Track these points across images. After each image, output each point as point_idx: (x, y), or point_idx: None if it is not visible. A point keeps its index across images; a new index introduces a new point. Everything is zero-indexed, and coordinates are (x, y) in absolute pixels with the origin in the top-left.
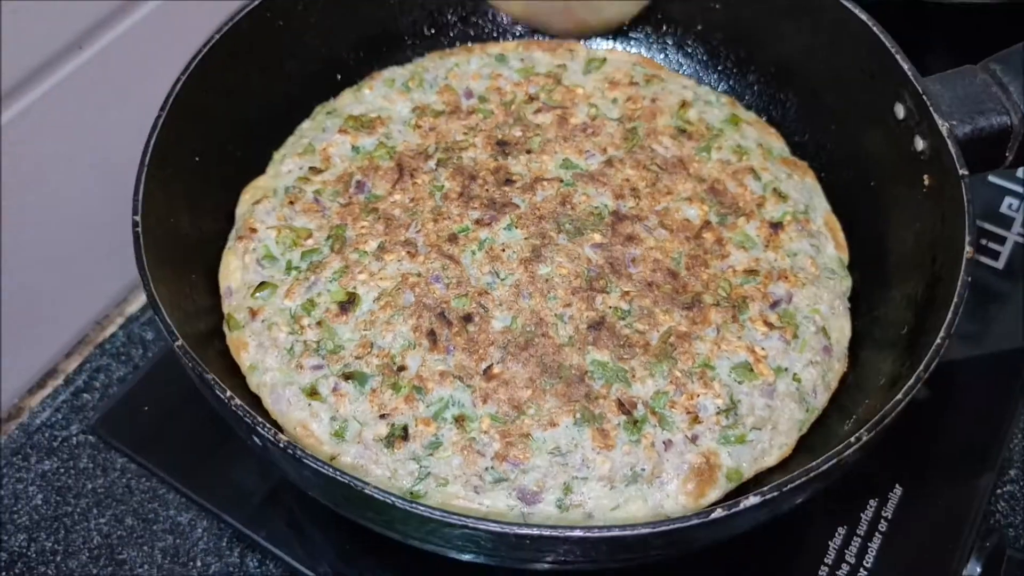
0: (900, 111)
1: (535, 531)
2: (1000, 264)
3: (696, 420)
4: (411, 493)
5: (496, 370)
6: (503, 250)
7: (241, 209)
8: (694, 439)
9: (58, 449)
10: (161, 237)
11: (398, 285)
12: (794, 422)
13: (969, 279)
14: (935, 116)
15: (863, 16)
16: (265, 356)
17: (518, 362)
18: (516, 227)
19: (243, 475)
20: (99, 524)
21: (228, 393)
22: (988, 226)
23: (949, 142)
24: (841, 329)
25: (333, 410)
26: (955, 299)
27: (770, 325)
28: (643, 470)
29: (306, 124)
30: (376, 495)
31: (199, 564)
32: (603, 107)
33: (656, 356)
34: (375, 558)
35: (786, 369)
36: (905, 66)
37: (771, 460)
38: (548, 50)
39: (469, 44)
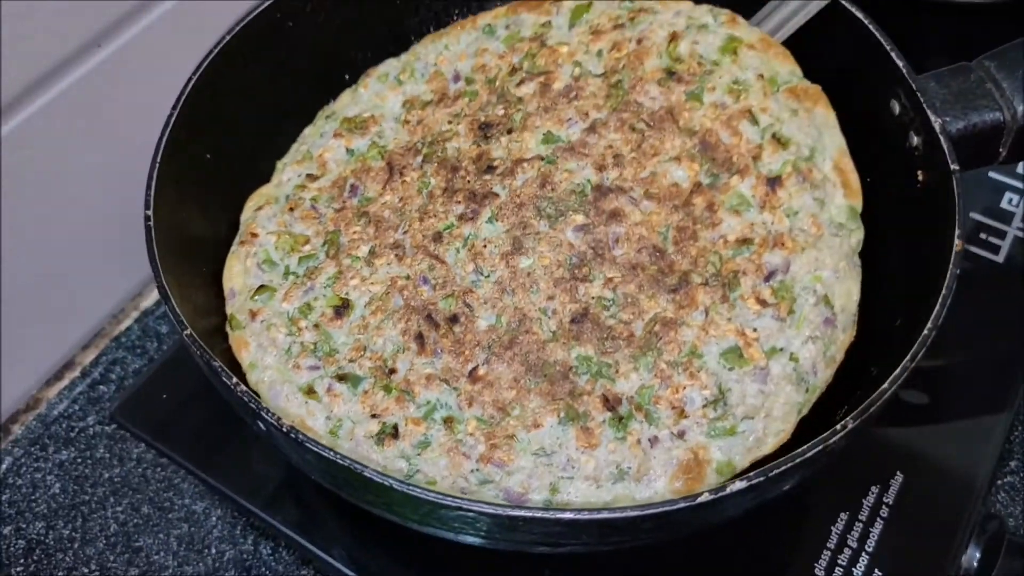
0: (895, 108)
1: (527, 513)
2: (1000, 258)
3: (682, 415)
4: None
5: (481, 372)
6: (484, 246)
7: (245, 215)
8: (681, 434)
9: (75, 439)
10: (172, 232)
11: (387, 289)
12: (791, 406)
13: (958, 272)
14: (928, 113)
15: (859, 14)
16: (264, 355)
17: (502, 362)
18: (497, 219)
19: (259, 462)
20: (116, 512)
21: (234, 380)
22: (988, 221)
23: (942, 138)
24: (848, 293)
25: (328, 409)
26: (943, 291)
27: (763, 302)
28: (629, 468)
29: (308, 130)
30: (375, 478)
31: (214, 551)
32: (587, 63)
33: (640, 348)
34: (388, 542)
35: (781, 349)
36: (900, 63)
37: (767, 448)
38: (533, 8)
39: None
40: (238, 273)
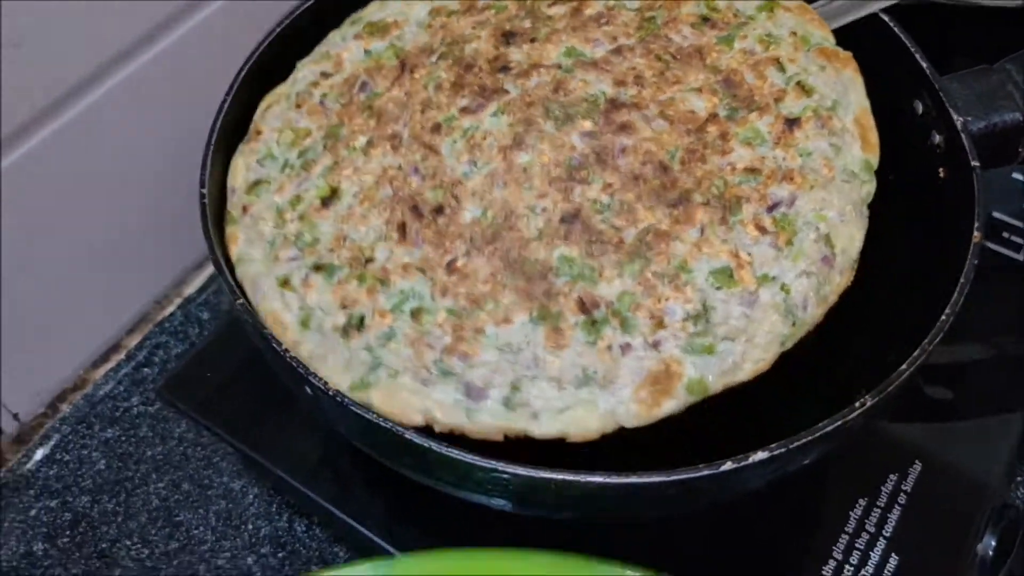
0: (919, 107)
1: (557, 475)
2: (1022, 256)
3: (660, 325)
4: (362, 381)
5: (459, 264)
6: (484, 138)
7: (256, 115)
8: (655, 345)
9: (120, 419)
10: (223, 207)
11: (378, 179)
12: (775, 336)
13: (976, 262)
14: (951, 112)
15: (885, 17)
16: (251, 249)
17: (482, 256)
18: (503, 113)
19: (298, 439)
20: (158, 488)
21: (284, 347)
22: (1011, 220)
23: (963, 136)
24: (851, 238)
25: (301, 300)
26: (961, 279)
27: (762, 229)
28: (595, 373)
29: (333, 33)
30: (414, 439)
31: (250, 527)
32: None
33: (629, 255)
34: (422, 516)
35: (773, 278)
36: (924, 64)
37: (743, 375)
38: None
39: None
40: (240, 170)
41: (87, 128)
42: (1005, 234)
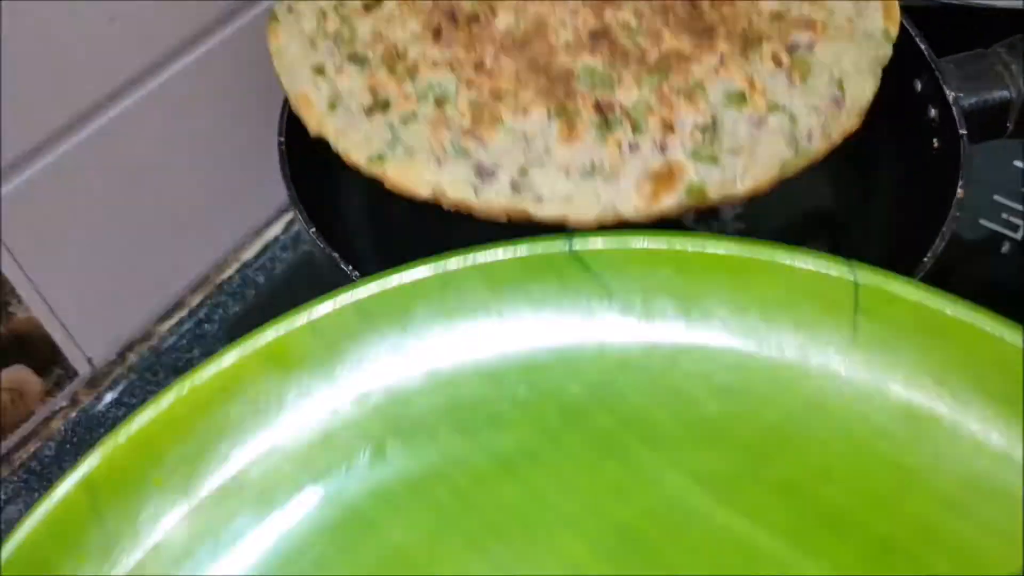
0: (918, 85)
1: None
2: (1019, 236)
3: (671, 130)
4: (380, 155)
5: (487, 64)
6: None
7: None
8: (663, 147)
9: (182, 369)
10: (298, 155)
11: None
12: (776, 158)
13: (958, 215)
14: (945, 88)
15: None
16: (290, 42)
17: (510, 58)
18: None
19: None
20: None
21: (351, 268)
22: (1010, 203)
23: (954, 109)
24: (861, 88)
25: (332, 84)
26: (943, 229)
27: (779, 63)
28: (602, 165)
29: None
30: None
31: None
32: None
33: (649, 70)
34: None
35: (783, 107)
36: (923, 46)
37: (742, 189)
38: None
39: None
40: None
41: (165, 99)
42: (1004, 215)
